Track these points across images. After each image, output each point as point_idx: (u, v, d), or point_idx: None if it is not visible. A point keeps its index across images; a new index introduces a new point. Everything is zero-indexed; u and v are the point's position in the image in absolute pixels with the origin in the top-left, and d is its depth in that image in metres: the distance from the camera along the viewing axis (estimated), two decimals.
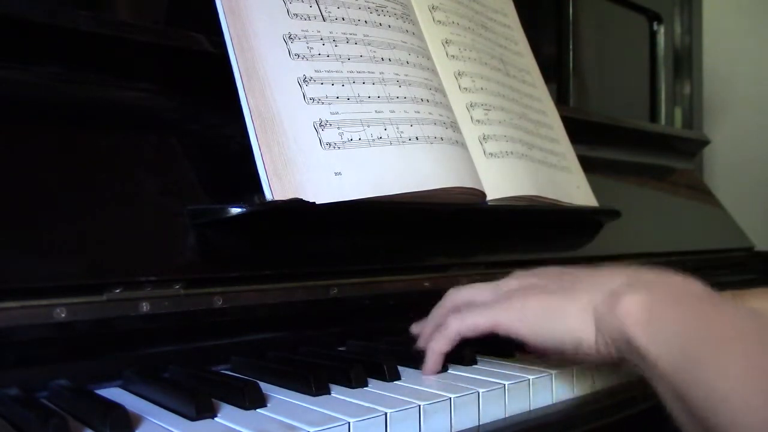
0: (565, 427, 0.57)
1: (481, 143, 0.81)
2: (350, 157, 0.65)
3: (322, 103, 0.66)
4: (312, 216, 0.64)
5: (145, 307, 0.56)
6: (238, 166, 0.64)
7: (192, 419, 0.47)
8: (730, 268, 1.29)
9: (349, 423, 0.46)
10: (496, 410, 0.55)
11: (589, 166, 1.00)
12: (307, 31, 0.68)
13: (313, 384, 0.53)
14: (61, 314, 0.52)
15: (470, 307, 0.59)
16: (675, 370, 0.45)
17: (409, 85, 0.74)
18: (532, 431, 0.55)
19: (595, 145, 1.16)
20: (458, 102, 0.81)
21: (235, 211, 0.59)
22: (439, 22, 0.85)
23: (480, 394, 0.54)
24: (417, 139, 0.71)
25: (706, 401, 0.43)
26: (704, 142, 1.47)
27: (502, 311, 0.57)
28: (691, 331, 0.46)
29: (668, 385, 0.46)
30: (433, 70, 0.79)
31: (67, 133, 0.59)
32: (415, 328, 0.66)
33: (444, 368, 0.61)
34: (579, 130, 1.03)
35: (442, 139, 0.73)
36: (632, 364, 0.50)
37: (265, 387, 0.53)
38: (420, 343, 0.62)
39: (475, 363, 0.63)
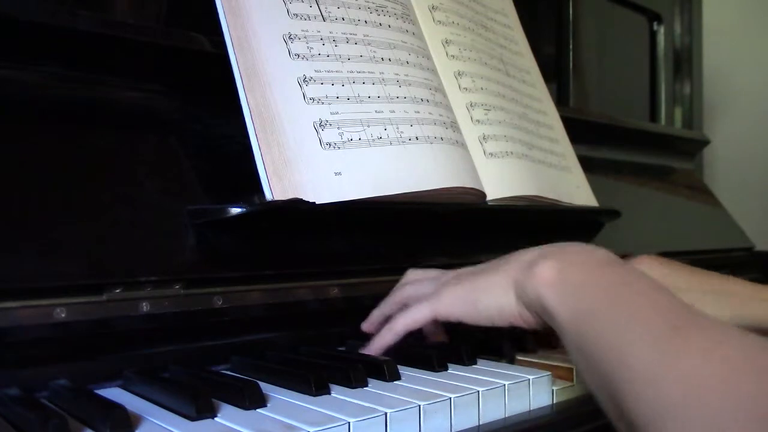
0: (566, 427, 0.57)
1: (481, 143, 0.81)
2: (350, 157, 0.65)
3: (322, 103, 0.66)
4: (312, 216, 0.64)
5: (145, 307, 0.56)
6: (238, 166, 0.64)
7: (192, 419, 0.47)
8: (730, 268, 1.28)
9: (349, 423, 0.46)
10: (496, 410, 0.55)
11: (589, 166, 1.00)
12: (307, 31, 0.68)
13: (313, 384, 0.53)
14: (61, 314, 0.52)
15: (414, 302, 0.63)
16: (576, 323, 0.49)
17: (409, 85, 0.74)
18: (532, 431, 0.55)
19: (595, 145, 1.16)
20: (458, 102, 0.81)
21: (235, 211, 0.59)
22: (439, 22, 0.85)
23: (480, 394, 0.54)
24: (417, 139, 0.71)
25: (603, 355, 0.45)
26: (704, 142, 1.47)
27: (437, 301, 0.61)
28: (590, 288, 0.50)
29: (574, 344, 0.49)
30: (433, 70, 0.79)
31: (67, 133, 0.59)
32: (365, 326, 0.68)
33: (444, 368, 0.61)
34: (579, 130, 1.03)
35: (442, 139, 0.73)
36: (547, 325, 0.54)
37: (265, 387, 0.53)
38: (364, 327, 0.67)
39: (475, 363, 0.63)
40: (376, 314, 0.67)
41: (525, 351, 0.67)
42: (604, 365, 0.45)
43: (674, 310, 0.46)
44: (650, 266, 0.72)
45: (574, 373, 0.60)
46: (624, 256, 0.58)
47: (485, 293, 0.59)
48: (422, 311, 0.62)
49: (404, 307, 0.64)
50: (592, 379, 0.47)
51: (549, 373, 0.59)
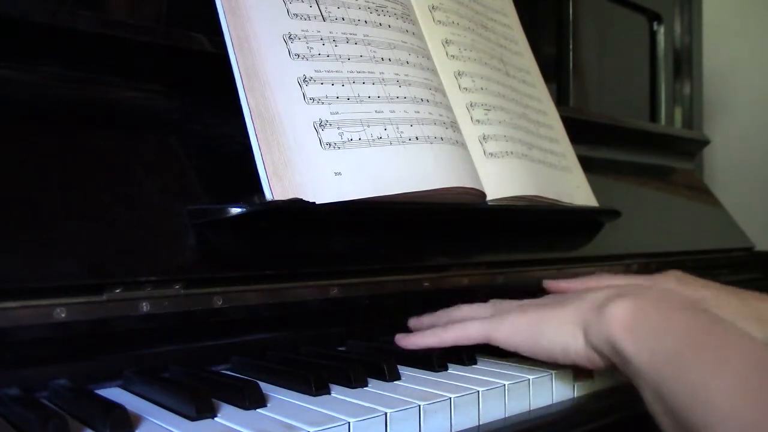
0: (565, 427, 0.57)
1: (481, 143, 0.81)
2: (350, 157, 0.65)
3: (322, 103, 0.66)
4: (312, 216, 0.64)
5: (145, 307, 0.56)
6: (238, 166, 0.64)
7: (192, 419, 0.47)
8: (730, 268, 1.29)
9: (349, 423, 0.46)
10: (496, 410, 0.55)
11: (589, 166, 1.00)
12: (307, 31, 0.68)
13: (313, 384, 0.53)
14: (61, 314, 0.52)
15: (471, 320, 0.63)
16: (655, 367, 0.47)
17: (409, 85, 0.74)
18: (532, 431, 0.55)
19: (595, 145, 1.16)
20: (458, 102, 0.81)
21: (235, 211, 0.59)
22: (439, 22, 0.85)
23: (480, 394, 0.54)
24: (417, 139, 0.71)
25: (688, 403, 0.44)
26: (704, 142, 1.47)
27: (496, 325, 0.60)
28: (671, 330, 0.48)
29: (650, 388, 0.47)
30: (433, 70, 0.79)
31: (67, 133, 0.59)
32: (413, 322, 0.69)
33: (444, 368, 0.61)
34: (579, 130, 1.03)
35: (442, 139, 0.73)
36: (619, 369, 0.52)
37: (265, 387, 0.53)
38: (411, 324, 0.67)
39: (475, 363, 0.63)
40: (428, 320, 0.67)
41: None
42: (687, 411, 0.44)
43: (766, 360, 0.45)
44: (685, 283, 0.71)
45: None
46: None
47: (551, 329, 0.57)
48: (479, 330, 0.61)
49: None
50: (670, 424, 0.46)
51: (549, 373, 0.59)
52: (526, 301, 0.63)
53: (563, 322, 0.56)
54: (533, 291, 0.75)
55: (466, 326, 0.62)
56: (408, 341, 0.64)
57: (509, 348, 0.59)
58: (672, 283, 0.72)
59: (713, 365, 0.44)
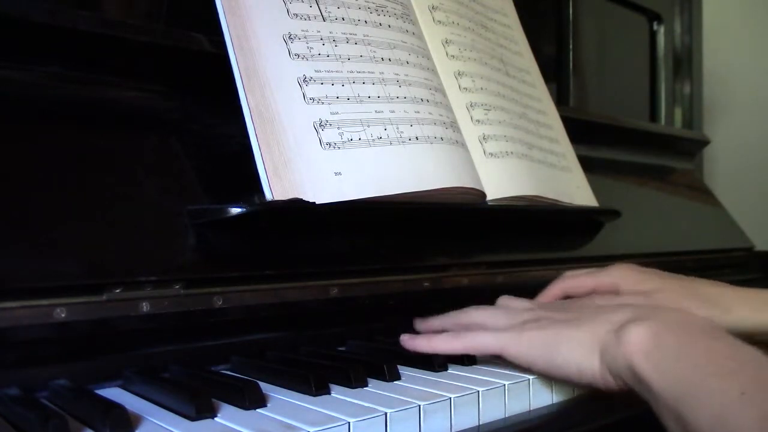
0: (565, 427, 0.57)
1: (481, 143, 0.81)
2: (350, 157, 0.65)
3: (322, 103, 0.66)
4: (312, 216, 0.64)
5: (145, 307, 0.56)
6: (238, 166, 0.64)
7: (192, 419, 0.47)
8: (730, 268, 1.29)
9: (349, 423, 0.46)
10: (496, 410, 0.55)
11: (589, 166, 1.00)
12: (307, 31, 0.68)
13: (313, 384, 0.53)
14: (61, 314, 0.52)
15: (482, 328, 0.62)
16: (675, 392, 0.46)
17: (409, 85, 0.74)
18: (532, 431, 0.55)
19: (595, 145, 1.16)
20: (458, 102, 0.81)
21: (235, 211, 0.59)
22: (439, 22, 0.85)
23: (480, 393, 0.54)
24: (417, 139, 0.71)
25: (710, 426, 0.43)
26: (704, 142, 1.47)
27: (511, 340, 0.58)
28: (692, 355, 0.48)
29: (672, 413, 0.47)
30: (433, 70, 0.79)
31: (67, 133, 0.59)
32: (420, 325, 0.68)
33: (444, 368, 0.61)
34: (579, 130, 1.03)
35: (442, 139, 0.73)
36: (638, 394, 0.51)
37: (265, 387, 0.53)
38: (419, 326, 0.66)
39: (475, 363, 0.63)
40: (437, 323, 0.66)
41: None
42: None
43: None
44: (629, 273, 0.73)
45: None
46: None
47: (567, 348, 0.55)
48: (492, 343, 0.59)
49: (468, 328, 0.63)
50: None
51: None
52: (540, 313, 0.61)
53: (580, 343, 0.55)
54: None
55: (478, 337, 0.60)
56: (415, 344, 0.62)
57: (523, 365, 0.58)
58: (620, 271, 0.73)
59: (737, 394, 0.43)
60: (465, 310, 0.66)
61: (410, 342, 0.62)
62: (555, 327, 0.57)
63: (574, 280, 0.75)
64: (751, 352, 0.48)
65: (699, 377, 0.46)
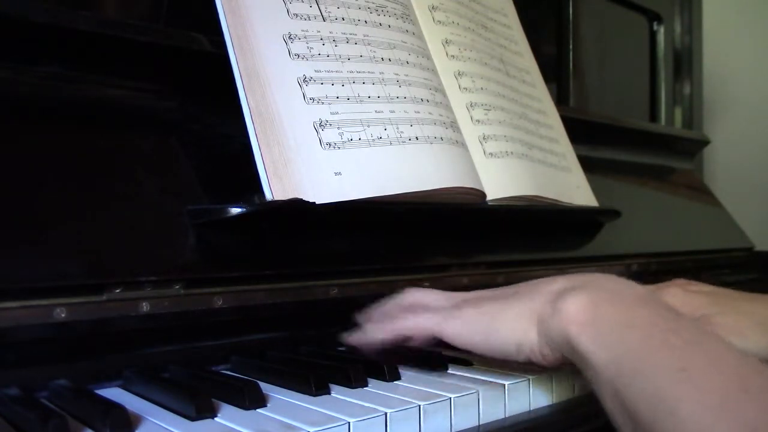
0: (565, 427, 0.57)
1: (481, 143, 0.81)
2: (350, 157, 0.65)
3: (322, 103, 0.66)
4: (312, 216, 0.64)
5: (145, 307, 0.56)
6: (238, 166, 0.64)
7: (192, 419, 0.47)
8: (730, 268, 1.29)
9: (349, 423, 0.46)
10: (496, 410, 0.55)
11: (589, 166, 1.00)
12: (307, 31, 0.68)
13: (313, 384, 0.53)
14: (61, 314, 0.52)
15: (423, 310, 0.58)
16: (615, 368, 0.44)
17: (409, 85, 0.74)
18: (532, 431, 0.55)
19: (595, 145, 1.16)
20: (458, 102, 0.81)
21: (235, 211, 0.59)
22: (439, 22, 0.85)
23: (480, 393, 0.54)
24: (417, 139, 0.71)
25: (650, 410, 0.41)
26: (704, 142, 1.47)
27: (447, 320, 0.55)
28: (632, 329, 0.45)
29: (610, 390, 0.44)
30: (433, 70, 0.79)
31: (67, 133, 0.59)
32: (359, 317, 0.63)
33: (444, 368, 0.61)
34: (579, 130, 1.03)
35: (442, 139, 0.73)
36: (575, 367, 0.49)
37: (265, 387, 0.53)
38: (361, 321, 0.61)
39: (473, 364, 0.63)
40: (377, 313, 0.62)
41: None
42: (649, 418, 0.41)
43: (734, 360, 0.42)
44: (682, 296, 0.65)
45: (573, 374, 0.60)
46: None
47: (503, 324, 0.52)
48: (429, 323, 0.56)
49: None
50: (627, 428, 0.44)
51: (549, 373, 0.59)
52: (481, 293, 0.57)
53: (516, 317, 0.52)
54: None
55: (412, 319, 0.57)
56: (350, 340, 0.59)
57: (461, 345, 0.55)
58: (676, 288, 0.66)
59: (676, 370, 0.41)
60: (405, 292, 0.62)
61: (348, 339, 0.59)
62: (492, 303, 0.54)
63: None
64: (693, 325, 0.45)
65: (637, 351, 0.44)
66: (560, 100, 1.21)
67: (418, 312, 0.58)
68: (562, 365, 0.51)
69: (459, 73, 0.83)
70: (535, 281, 0.55)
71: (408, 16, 0.79)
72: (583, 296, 0.48)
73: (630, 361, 0.43)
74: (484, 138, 0.82)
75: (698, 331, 0.45)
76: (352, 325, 0.69)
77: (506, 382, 0.56)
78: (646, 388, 0.42)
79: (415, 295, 0.62)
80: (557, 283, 0.52)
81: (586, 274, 0.52)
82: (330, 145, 0.65)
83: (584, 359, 0.46)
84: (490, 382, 0.56)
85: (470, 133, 0.80)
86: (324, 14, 0.70)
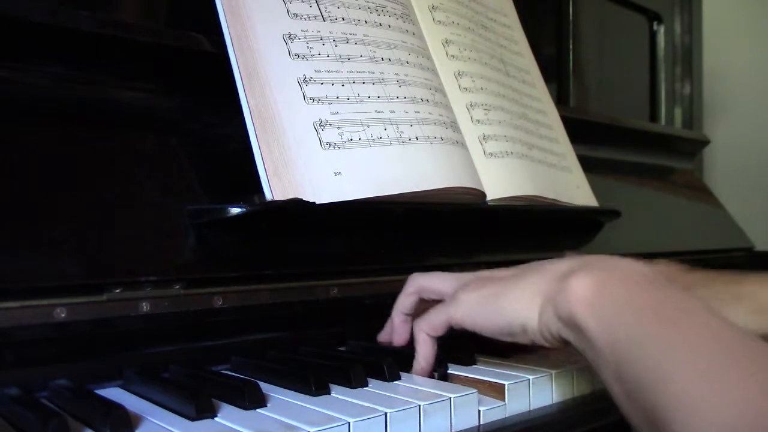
0: (565, 427, 0.57)
1: (481, 143, 0.81)
2: (350, 157, 0.65)
3: (322, 103, 0.66)
4: (312, 216, 0.64)
5: (145, 307, 0.56)
6: (238, 166, 0.64)
7: (192, 419, 0.47)
8: (730, 268, 1.28)
9: (349, 423, 0.46)
10: (496, 410, 0.55)
11: (589, 166, 1.00)
12: (307, 31, 0.68)
13: (313, 384, 0.53)
14: (61, 314, 0.52)
15: (429, 294, 0.61)
16: (617, 347, 0.44)
17: (409, 85, 0.74)
18: (532, 431, 0.55)
19: (595, 145, 1.16)
20: (458, 102, 0.81)
21: (235, 211, 0.59)
22: (439, 22, 0.85)
23: (480, 393, 0.54)
24: (417, 139, 0.71)
25: (650, 384, 0.41)
26: (704, 142, 1.47)
27: (454, 307, 0.56)
28: (635, 307, 0.45)
29: (611, 367, 0.44)
30: (433, 70, 0.79)
31: (67, 133, 0.59)
32: (382, 336, 0.67)
33: (444, 368, 0.61)
34: (579, 130, 1.03)
35: (442, 139, 0.73)
36: (577, 349, 0.49)
37: (265, 387, 0.53)
38: (380, 337, 0.67)
39: (475, 363, 0.63)
40: (395, 311, 0.64)
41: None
42: (648, 394, 0.41)
43: (733, 338, 0.42)
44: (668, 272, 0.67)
45: (574, 374, 0.60)
46: (634, 256, 0.53)
47: (508, 304, 0.52)
48: (439, 317, 0.57)
49: (421, 303, 0.62)
50: (631, 407, 0.43)
51: (549, 373, 0.59)
52: (486, 274, 0.58)
53: (521, 295, 0.52)
54: None
55: (428, 318, 0.58)
56: (418, 366, 0.59)
57: (470, 328, 0.55)
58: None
59: (680, 345, 0.41)
60: (411, 277, 0.63)
61: (378, 338, 0.65)
62: (498, 284, 0.54)
63: None
64: (701, 306, 0.45)
65: (640, 327, 0.43)
66: (560, 100, 1.21)
67: (428, 314, 0.59)
68: (562, 346, 0.51)
69: (459, 73, 0.83)
70: (539, 262, 0.55)
71: (408, 16, 0.79)
72: (590, 276, 0.47)
73: (632, 341, 0.43)
74: (484, 138, 0.82)
75: (702, 308, 0.44)
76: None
77: (506, 383, 0.56)
78: (647, 365, 0.42)
79: (418, 280, 0.62)
80: (563, 263, 0.51)
81: (592, 255, 0.52)
82: (330, 145, 0.65)
83: (587, 338, 0.46)
84: (490, 382, 0.56)
85: (470, 133, 0.80)
86: (324, 14, 0.70)
